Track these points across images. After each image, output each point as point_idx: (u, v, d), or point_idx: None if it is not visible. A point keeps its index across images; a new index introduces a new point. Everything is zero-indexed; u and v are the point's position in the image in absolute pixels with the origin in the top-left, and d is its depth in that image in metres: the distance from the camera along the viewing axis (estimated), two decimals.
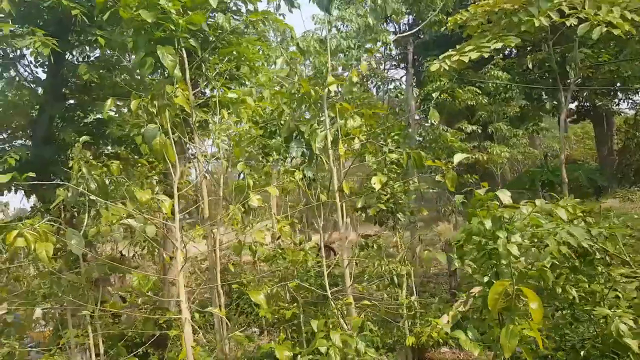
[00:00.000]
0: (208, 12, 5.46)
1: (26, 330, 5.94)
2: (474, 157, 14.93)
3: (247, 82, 7.58)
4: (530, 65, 10.52)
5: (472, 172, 17.01)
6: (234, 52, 6.73)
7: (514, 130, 15.94)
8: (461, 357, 7.94)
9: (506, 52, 16.65)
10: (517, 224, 3.42)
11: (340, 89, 5.78)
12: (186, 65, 5.63)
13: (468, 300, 4.48)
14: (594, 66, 11.08)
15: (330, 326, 4.20)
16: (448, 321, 4.34)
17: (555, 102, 10.90)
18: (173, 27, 4.26)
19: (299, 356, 3.90)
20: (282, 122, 5.60)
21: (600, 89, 12.56)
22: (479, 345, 3.47)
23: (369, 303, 5.24)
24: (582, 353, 4.69)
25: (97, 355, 5.06)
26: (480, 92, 14.82)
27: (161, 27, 4.27)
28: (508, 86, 13.59)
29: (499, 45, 6.79)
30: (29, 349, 6.31)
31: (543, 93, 12.46)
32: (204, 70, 6.00)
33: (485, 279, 3.54)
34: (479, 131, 15.63)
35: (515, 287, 3.21)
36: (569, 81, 9.33)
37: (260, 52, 8.51)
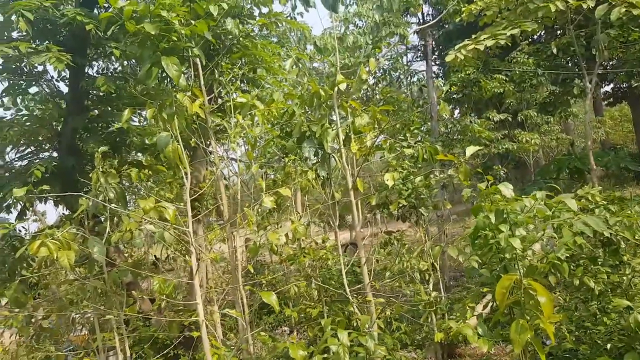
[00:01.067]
0: (217, 20, 5.54)
1: (60, 335, 6.18)
2: (504, 146, 14.63)
3: (264, 85, 7.65)
4: (555, 50, 10.22)
5: (504, 162, 16.71)
6: (250, 56, 6.80)
7: (545, 117, 15.55)
8: (493, 353, 7.80)
9: (533, 37, 16.26)
10: (520, 217, 3.35)
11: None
12: (200, 72, 5.75)
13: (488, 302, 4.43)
14: (624, 46, 10.67)
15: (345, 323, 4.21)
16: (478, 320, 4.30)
17: (582, 87, 10.56)
18: (176, 38, 4.35)
19: (313, 355, 3.93)
20: (294, 122, 5.64)
21: (630, 70, 12.07)
22: (489, 341, 3.42)
23: (383, 300, 5.21)
24: (607, 346, 4.56)
25: (126, 358, 5.22)
26: (507, 79, 14.52)
27: (165, 38, 4.37)
28: (535, 72, 13.24)
29: (515, 31, 6.64)
30: (66, 352, 6.56)
31: (571, 78, 12.11)
32: (217, 76, 6.09)
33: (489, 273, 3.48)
34: (509, 120, 15.31)
35: (524, 280, 3.16)
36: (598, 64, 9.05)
37: (278, 54, 8.57)
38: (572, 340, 4.67)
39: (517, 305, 3.42)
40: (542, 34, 16.40)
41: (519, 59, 14.09)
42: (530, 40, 15.19)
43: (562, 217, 3.98)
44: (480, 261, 3.80)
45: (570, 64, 11.25)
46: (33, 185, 5.40)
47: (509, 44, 7.34)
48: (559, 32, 14.68)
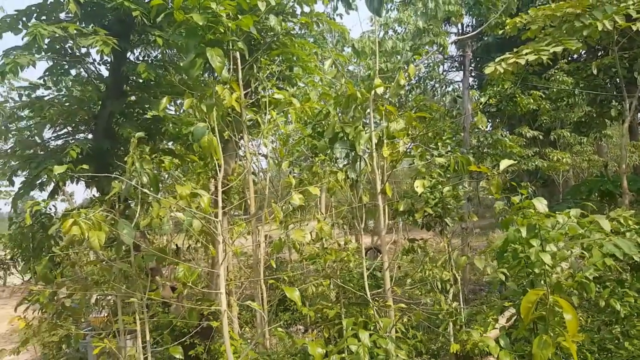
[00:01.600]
0: (260, 16, 5.60)
1: (82, 314, 6.30)
2: (534, 163, 14.42)
3: (299, 83, 7.69)
4: (595, 71, 10.03)
5: (533, 179, 16.45)
6: (287, 53, 6.85)
7: (578, 137, 15.26)
8: None
9: (573, 56, 15.98)
10: (552, 233, 3.30)
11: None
12: (239, 66, 5.82)
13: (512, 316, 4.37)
14: None
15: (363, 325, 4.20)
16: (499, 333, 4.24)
17: (620, 109, 10.33)
18: (223, 30, 4.40)
19: (329, 354, 3.94)
20: (328, 123, 5.66)
21: None
22: (510, 354, 3.37)
23: (405, 306, 5.18)
24: None
25: (145, 342, 5.29)
26: (543, 96, 14.30)
27: (212, 30, 4.43)
28: (572, 91, 13.01)
29: (559, 48, 6.54)
30: (85, 332, 6.68)
31: (609, 99, 11.87)
32: (255, 71, 6.15)
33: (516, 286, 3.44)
34: (540, 137, 15.08)
35: (551, 297, 3.12)
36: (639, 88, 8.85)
37: (315, 54, 8.61)
38: None
39: (541, 321, 3.37)
40: (582, 53, 16.10)
41: (557, 77, 13.87)
42: (569, 58, 14.93)
43: (592, 237, 3.92)
44: (507, 274, 3.76)
45: (609, 86, 11.01)
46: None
47: (549, 62, 7.23)
48: (600, 52, 14.40)
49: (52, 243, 6.90)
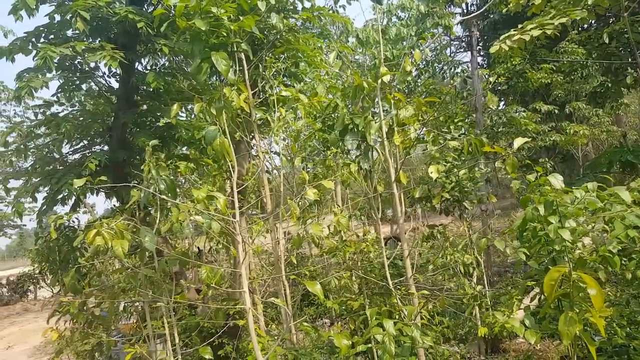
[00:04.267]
0: (262, 15, 5.63)
1: (111, 322, 6.44)
2: (551, 139, 14.23)
3: (306, 79, 7.71)
4: (607, 39, 9.82)
5: (552, 155, 16.23)
6: (292, 50, 6.87)
7: (594, 109, 15.00)
8: (538, 348, 7.65)
9: (583, 27, 15.68)
10: (570, 209, 3.28)
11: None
12: (245, 67, 5.86)
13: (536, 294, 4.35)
14: None
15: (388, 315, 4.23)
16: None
17: (636, 76, 10.09)
18: (225, 33, 4.45)
19: (356, 345, 3.98)
20: (337, 115, 5.67)
21: None
22: (537, 333, 3.37)
23: (428, 293, 5.19)
24: None
25: (174, 345, 5.40)
26: (555, 70, 14.08)
27: (215, 34, 4.48)
28: (585, 62, 12.77)
29: (564, 20, 6.43)
30: (116, 339, 6.83)
31: (624, 67, 11.63)
32: (261, 70, 6.19)
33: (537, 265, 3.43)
34: (556, 112, 14.86)
35: (574, 273, 3.10)
36: None
37: (320, 47, 8.61)
38: (624, 336, 4.53)
39: (565, 298, 3.36)
40: (592, 22, 15.79)
41: (567, 48, 13.64)
42: (580, 29, 14.66)
43: (613, 209, 3.87)
44: (527, 253, 3.75)
45: (623, 53, 10.76)
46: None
47: (558, 34, 7.11)
48: (611, 20, 14.10)
49: (78, 254, 7.06)
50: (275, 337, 6.21)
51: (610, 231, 3.81)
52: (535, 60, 14.04)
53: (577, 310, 3.30)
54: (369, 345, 4.14)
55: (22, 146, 7.55)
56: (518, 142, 4.51)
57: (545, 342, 7.78)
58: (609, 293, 6.48)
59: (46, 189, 7.11)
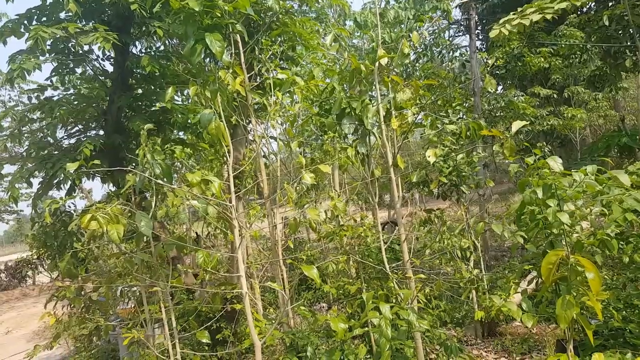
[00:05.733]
0: None
1: (109, 307, 6.45)
2: (549, 123, 14.20)
3: (302, 62, 7.63)
4: (606, 22, 9.72)
5: (550, 139, 16.21)
6: (288, 33, 6.79)
7: (593, 93, 14.96)
8: (534, 332, 7.71)
9: (582, 10, 15.57)
10: (569, 192, 3.25)
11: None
12: (240, 49, 5.78)
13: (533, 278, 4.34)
14: None
15: (385, 299, 4.22)
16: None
17: (635, 59, 10.01)
18: (220, 14, 4.37)
19: (353, 328, 3.98)
20: (333, 99, 5.61)
21: None
22: (533, 317, 3.37)
23: (425, 277, 5.19)
24: None
25: (172, 329, 5.40)
26: (553, 53, 13.99)
27: (209, 15, 4.40)
28: (584, 46, 12.69)
29: (564, 4, 6.34)
30: (114, 323, 6.85)
31: (623, 51, 11.54)
32: (257, 53, 6.11)
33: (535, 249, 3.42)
34: (554, 96, 14.81)
35: (572, 256, 3.09)
36: None
37: (317, 31, 8.52)
38: (620, 319, 4.55)
39: (563, 282, 3.35)
40: (591, 5, 15.67)
41: (566, 32, 13.55)
42: (579, 12, 14.56)
43: (611, 193, 3.85)
44: (525, 237, 3.73)
45: (622, 36, 10.68)
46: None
47: (556, 17, 7.02)
48: (611, 3, 13.98)
49: (74, 239, 7.04)
50: (273, 321, 6.22)
51: (608, 215, 3.80)
52: (533, 44, 13.95)
53: (574, 294, 3.30)
54: (366, 328, 4.14)
55: (16, 131, 7.48)
56: (516, 125, 4.46)
57: (541, 326, 7.84)
58: (606, 277, 6.51)
59: (41, 173, 7.06)
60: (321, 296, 10.40)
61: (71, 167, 4.19)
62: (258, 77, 6.61)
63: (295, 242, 12.11)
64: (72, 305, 7.17)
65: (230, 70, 4.70)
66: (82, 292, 5.94)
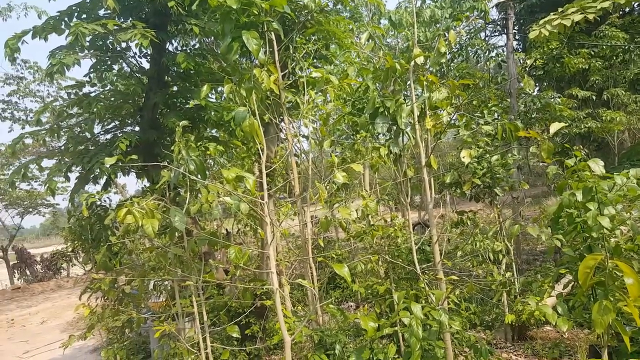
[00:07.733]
0: None
1: (141, 300, 6.57)
2: (586, 125, 13.82)
3: (336, 61, 7.62)
4: None
5: (586, 142, 15.78)
6: (322, 31, 6.79)
7: (634, 96, 14.48)
8: (566, 336, 7.52)
9: (625, 10, 15.09)
10: (610, 196, 3.16)
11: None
12: (275, 48, 5.81)
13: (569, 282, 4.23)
14: None
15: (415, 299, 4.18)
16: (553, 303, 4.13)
17: None
18: (256, 12, 4.40)
19: (381, 328, 3.95)
20: (367, 98, 5.58)
21: None
22: (569, 321, 3.28)
23: (456, 278, 5.12)
24: None
25: (202, 323, 5.47)
26: (593, 55, 13.61)
27: (246, 12, 4.43)
28: (627, 48, 12.30)
29: (607, 4, 6.14)
30: (146, 316, 6.98)
31: None
32: (291, 52, 6.13)
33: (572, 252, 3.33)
34: (593, 98, 14.41)
35: (610, 261, 3.01)
36: None
37: (351, 30, 8.49)
38: None
39: (600, 287, 3.26)
40: (635, 6, 15.19)
41: (608, 32, 13.15)
42: (622, 12, 14.13)
43: None
44: (562, 240, 3.63)
45: None
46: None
47: (597, 18, 6.81)
48: None
49: (109, 233, 7.20)
50: (302, 318, 6.23)
51: None
52: (572, 45, 13.60)
53: (611, 299, 3.21)
54: (395, 328, 4.11)
55: (55, 126, 7.69)
56: (555, 126, 4.36)
57: (573, 331, 7.65)
58: None
59: (78, 168, 7.24)
60: (349, 295, 10.39)
61: (109, 161, 4.28)
62: (291, 76, 6.62)
63: (324, 241, 12.11)
64: (105, 298, 7.34)
65: (265, 69, 4.73)
66: (116, 285, 6.07)
